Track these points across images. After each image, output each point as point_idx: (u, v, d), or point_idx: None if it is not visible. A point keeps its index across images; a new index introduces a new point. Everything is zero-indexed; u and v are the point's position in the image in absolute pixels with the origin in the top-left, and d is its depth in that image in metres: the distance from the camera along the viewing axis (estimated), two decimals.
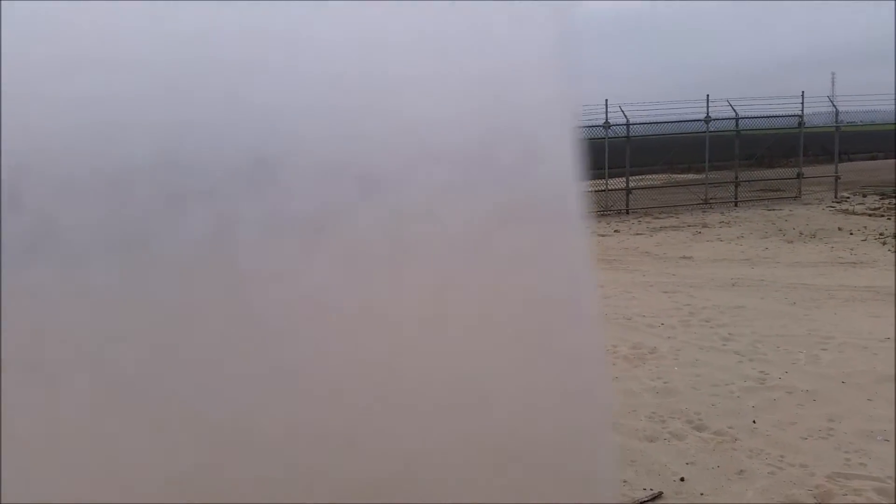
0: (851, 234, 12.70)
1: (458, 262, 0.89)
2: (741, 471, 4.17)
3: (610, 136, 18.30)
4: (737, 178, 19.02)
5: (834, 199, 18.36)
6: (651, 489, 4.00)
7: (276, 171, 0.85)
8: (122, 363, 0.84)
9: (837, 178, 19.59)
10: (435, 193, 0.88)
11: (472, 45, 0.89)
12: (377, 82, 0.86)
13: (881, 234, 12.38)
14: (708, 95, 18.95)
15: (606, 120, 18.16)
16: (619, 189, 18.32)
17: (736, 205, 18.48)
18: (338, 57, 0.85)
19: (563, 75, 0.93)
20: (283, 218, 0.85)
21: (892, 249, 10.92)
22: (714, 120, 19.07)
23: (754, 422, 4.81)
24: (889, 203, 16.77)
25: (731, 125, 19.35)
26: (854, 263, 10.04)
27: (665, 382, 5.64)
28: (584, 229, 0.94)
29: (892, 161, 25.20)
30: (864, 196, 18.71)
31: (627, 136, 18.52)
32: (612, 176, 18.42)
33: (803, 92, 19.77)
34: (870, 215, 15.04)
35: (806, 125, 20.64)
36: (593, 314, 0.96)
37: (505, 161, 0.90)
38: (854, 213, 15.64)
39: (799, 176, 19.41)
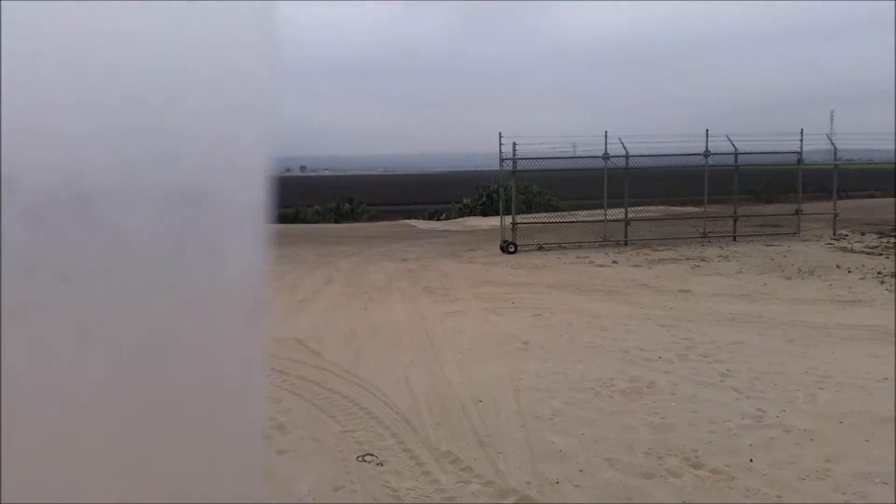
0: (850, 272, 12.70)
1: None
2: None
3: (609, 166, 18.36)
4: (735, 212, 19.08)
5: (832, 237, 18.39)
6: None
7: None
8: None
9: (836, 215, 19.65)
10: None
11: None
12: None
13: (879, 273, 12.39)
14: (707, 130, 19.05)
15: (606, 151, 18.25)
16: (617, 220, 18.35)
17: (734, 239, 18.51)
18: None
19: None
20: None
21: (890, 288, 10.92)
22: (713, 154, 19.16)
23: (751, 460, 4.78)
24: (887, 242, 16.81)
25: (731, 160, 19.43)
26: (852, 302, 10.04)
27: (662, 418, 5.61)
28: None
29: (891, 200, 25.31)
30: (863, 234, 18.75)
31: (626, 168, 18.59)
32: (610, 206, 18.48)
33: (802, 129, 19.91)
34: (868, 253, 15.06)
35: (805, 162, 20.73)
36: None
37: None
38: (852, 250, 15.67)
39: (797, 212, 19.47)
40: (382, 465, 4.84)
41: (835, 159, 20.79)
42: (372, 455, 5.00)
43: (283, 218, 32.44)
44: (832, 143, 20.98)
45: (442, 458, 4.93)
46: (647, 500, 4.29)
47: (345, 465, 4.86)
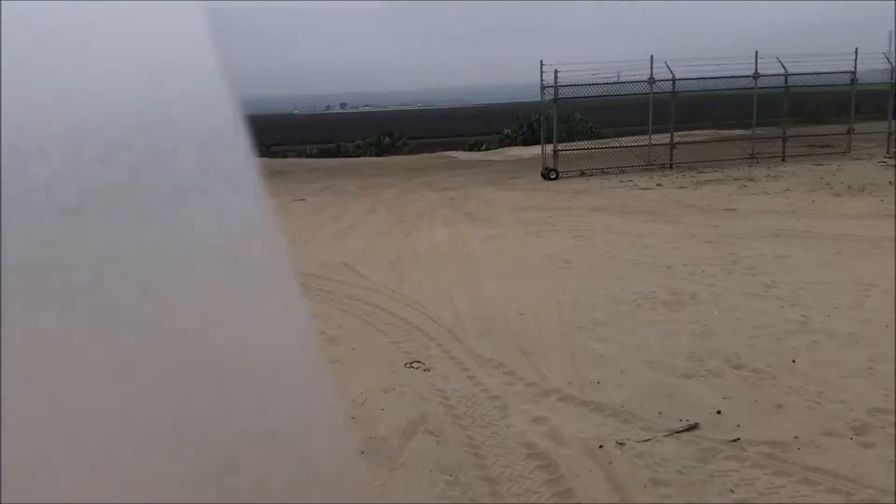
0: None
1: None
2: (779, 405, 4.19)
3: (655, 91, 17.97)
4: (784, 132, 18.61)
5: (886, 155, 17.86)
6: (687, 420, 4.06)
7: None
8: None
9: (890, 134, 19.04)
10: None
11: None
12: None
13: None
14: (756, 52, 18.48)
15: (651, 76, 17.82)
16: (662, 144, 18.02)
17: (783, 160, 18.10)
18: None
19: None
20: None
21: None
22: (762, 76, 18.59)
23: (794, 361, 4.81)
24: None
25: (780, 82, 18.84)
26: None
27: (704, 325, 5.65)
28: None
29: None
30: None
31: (673, 92, 18.15)
32: (655, 132, 18.13)
33: (857, 49, 19.17)
34: None
35: (859, 82, 19.99)
36: None
37: None
38: None
39: (849, 131, 18.91)
40: (429, 370, 5.00)
41: (892, 79, 20.01)
42: (419, 362, 5.16)
43: (324, 153, 32.58)
44: (890, 63, 20.16)
45: (486, 364, 5.06)
46: (687, 397, 4.37)
47: (393, 371, 5.02)
